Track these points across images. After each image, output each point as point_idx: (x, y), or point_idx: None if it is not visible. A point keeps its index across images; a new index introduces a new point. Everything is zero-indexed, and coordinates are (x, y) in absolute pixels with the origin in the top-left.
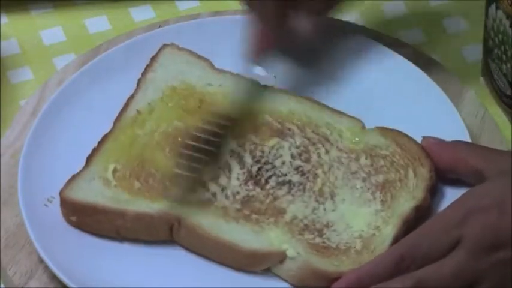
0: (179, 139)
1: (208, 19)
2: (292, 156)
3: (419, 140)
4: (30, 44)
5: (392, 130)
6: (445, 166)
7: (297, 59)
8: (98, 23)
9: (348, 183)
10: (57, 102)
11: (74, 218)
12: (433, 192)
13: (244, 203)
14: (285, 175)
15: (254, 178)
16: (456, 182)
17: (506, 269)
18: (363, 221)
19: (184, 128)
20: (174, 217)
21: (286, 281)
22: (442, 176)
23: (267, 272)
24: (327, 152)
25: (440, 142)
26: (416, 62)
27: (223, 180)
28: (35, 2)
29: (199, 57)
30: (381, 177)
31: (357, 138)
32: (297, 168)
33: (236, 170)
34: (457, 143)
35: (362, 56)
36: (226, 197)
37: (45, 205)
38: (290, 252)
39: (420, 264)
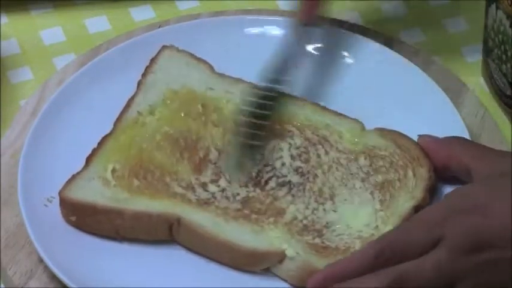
0: (181, 140)
1: (208, 19)
2: (292, 157)
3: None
4: (30, 44)
5: (391, 131)
6: (440, 164)
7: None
8: (97, 23)
9: (347, 183)
10: (57, 102)
11: (73, 218)
12: (432, 192)
13: (244, 203)
14: (285, 176)
15: (254, 180)
16: (455, 182)
17: (487, 270)
18: (362, 221)
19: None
20: (174, 216)
21: (285, 281)
22: (441, 176)
23: (267, 272)
24: (326, 153)
25: (436, 140)
26: (416, 62)
27: (223, 182)
28: (35, 2)
29: (199, 59)
30: (380, 178)
31: (356, 140)
32: (296, 169)
33: None
34: (452, 141)
35: (361, 57)
36: (226, 197)
37: (45, 205)
38: (289, 252)
39: (399, 260)
